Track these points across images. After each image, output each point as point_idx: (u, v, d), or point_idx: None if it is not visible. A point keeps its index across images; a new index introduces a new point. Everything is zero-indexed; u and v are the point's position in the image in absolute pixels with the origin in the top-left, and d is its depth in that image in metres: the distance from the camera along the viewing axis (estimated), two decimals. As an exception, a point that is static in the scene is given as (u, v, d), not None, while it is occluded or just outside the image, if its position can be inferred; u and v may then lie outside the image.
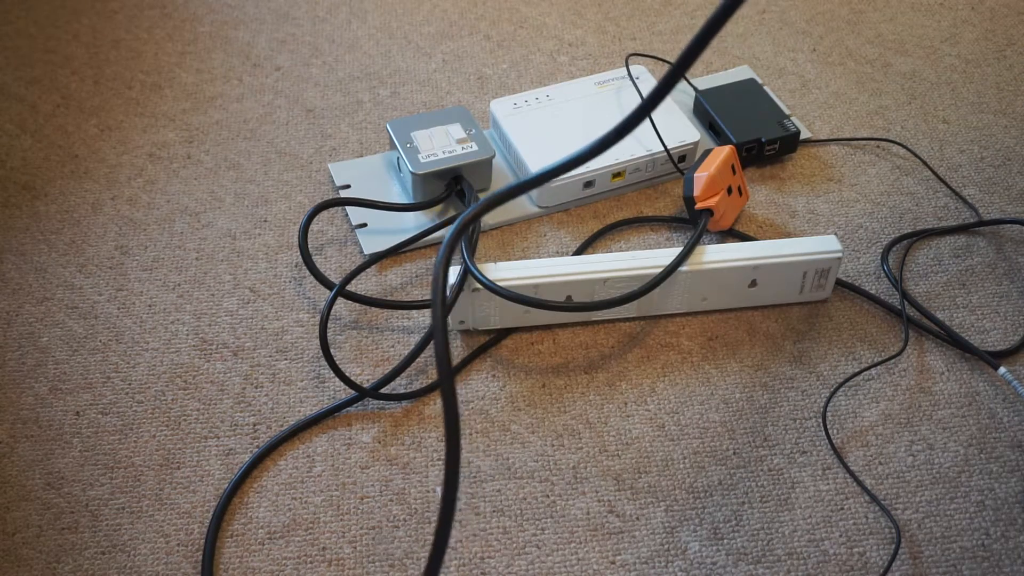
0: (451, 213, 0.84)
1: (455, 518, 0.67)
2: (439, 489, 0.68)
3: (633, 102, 0.90)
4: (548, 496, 0.68)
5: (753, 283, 0.77)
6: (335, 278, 0.81)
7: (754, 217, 0.86)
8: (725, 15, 0.53)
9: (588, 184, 0.85)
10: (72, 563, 0.64)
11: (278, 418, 0.72)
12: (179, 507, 0.67)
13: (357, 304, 0.79)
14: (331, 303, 0.74)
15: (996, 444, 0.71)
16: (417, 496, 0.68)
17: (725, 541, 0.66)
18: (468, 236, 0.78)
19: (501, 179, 0.88)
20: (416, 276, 0.81)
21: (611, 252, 0.83)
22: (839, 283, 0.80)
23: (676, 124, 0.88)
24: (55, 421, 0.72)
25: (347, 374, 0.73)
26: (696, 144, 0.87)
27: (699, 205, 0.80)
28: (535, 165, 0.84)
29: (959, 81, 1.00)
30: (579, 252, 0.83)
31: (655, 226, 0.86)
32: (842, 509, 0.68)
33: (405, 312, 0.79)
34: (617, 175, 0.86)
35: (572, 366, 0.75)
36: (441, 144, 0.84)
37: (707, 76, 0.99)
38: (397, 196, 0.86)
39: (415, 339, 0.77)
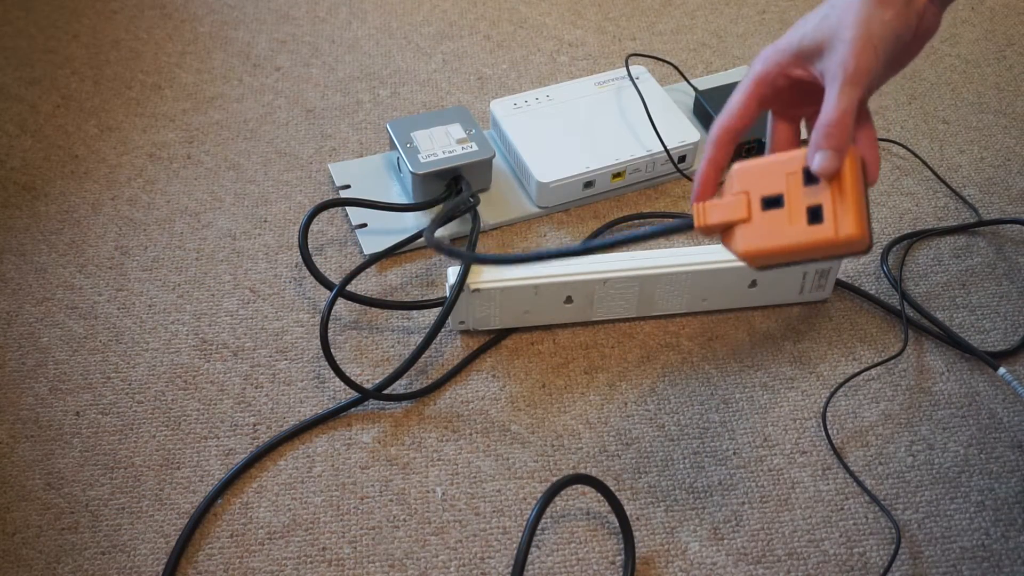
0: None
1: (456, 518, 0.67)
2: (439, 490, 0.68)
3: (633, 102, 0.90)
4: (548, 496, 0.68)
5: (753, 283, 0.77)
6: (335, 278, 0.81)
7: (754, 217, 0.86)
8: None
9: (588, 184, 0.85)
10: (72, 563, 0.64)
11: (278, 418, 0.72)
12: (179, 507, 0.67)
13: (357, 304, 0.79)
14: (331, 303, 0.74)
15: (996, 444, 0.71)
16: (417, 496, 0.68)
17: (725, 541, 0.66)
18: (468, 236, 0.78)
19: (501, 179, 0.88)
20: (416, 276, 0.81)
21: (611, 252, 0.82)
22: (839, 283, 0.80)
23: (676, 124, 0.88)
24: (55, 421, 0.72)
25: (347, 374, 0.73)
26: (696, 144, 0.87)
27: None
28: (535, 165, 0.84)
29: (959, 81, 1.00)
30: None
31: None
32: (842, 509, 0.68)
33: (405, 312, 0.79)
34: (617, 175, 0.86)
35: (572, 366, 0.75)
36: (441, 144, 0.84)
37: (707, 76, 0.99)
38: (397, 196, 0.86)
39: (415, 339, 0.77)
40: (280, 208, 0.86)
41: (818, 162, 0.51)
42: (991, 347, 0.77)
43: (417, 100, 0.97)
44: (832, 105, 0.51)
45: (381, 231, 0.83)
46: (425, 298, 0.79)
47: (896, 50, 0.53)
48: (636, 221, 0.85)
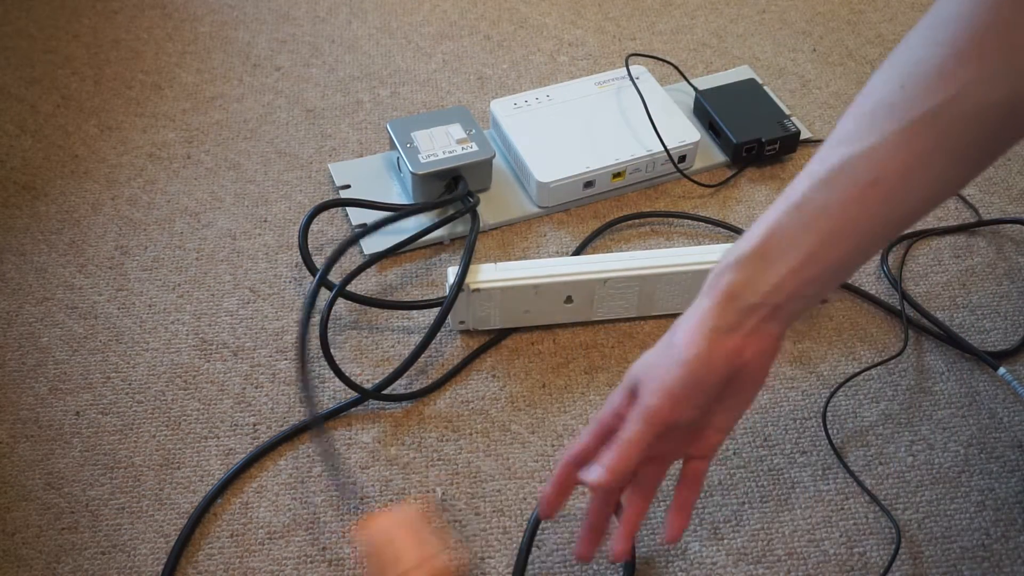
0: (451, 212, 0.84)
1: (456, 518, 0.67)
2: (439, 490, 0.68)
3: (633, 102, 0.90)
4: (548, 496, 0.68)
5: None
6: (335, 278, 0.80)
7: (753, 217, 0.86)
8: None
9: (588, 184, 0.85)
10: (72, 563, 0.64)
11: (278, 418, 0.72)
12: (179, 507, 0.67)
13: (357, 304, 0.79)
14: (331, 304, 0.74)
15: (996, 444, 0.71)
16: (417, 496, 0.68)
17: (725, 541, 0.66)
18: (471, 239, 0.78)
19: (501, 179, 0.88)
20: (416, 276, 0.81)
21: (611, 252, 0.82)
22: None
23: (676, 124, 0.88)
24: (55, 421, 0.72)
25: (347, 374, 0.73)
26: (696, 144, 0.87)
27: None
28: (535, 165, 0.84)
29: (959, 81, 1.00)
30: (579, 251, 0.83)
31: (655, 227, 0.86)
32: (842, 509, 0.68)
33: (405, 312, 0.79)
34: (617, 175, 0.86)
35: (572, 366, 0.75)
36: (441, 144, 0.84)
37: (707, 76, 0.99)
38: (397, 196, 0.86)
39: (415, 339, 0.77)
40: (280, 208, 0.86)
41: (592, 474, 0.55)
42: (991, 347, 0.77)
43: (417, 100, 0.97)
44: (618, 438, 0.54)
45: (381, 231, 0.83)
46: (425, 298, 0.79)
47: (707, 388, 0.53)
48: (636, 223, 0.86)
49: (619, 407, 0.56)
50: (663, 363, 0.53)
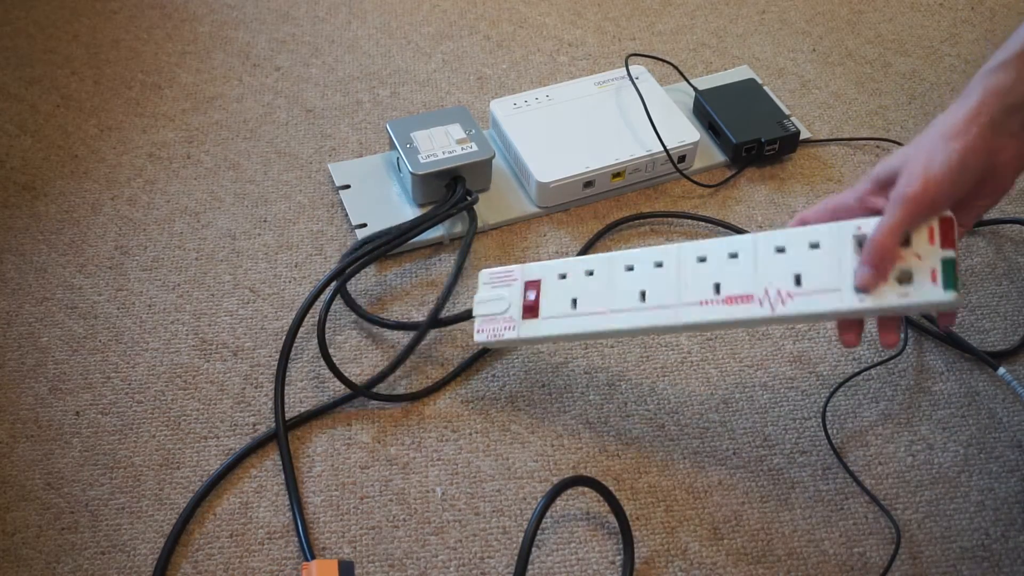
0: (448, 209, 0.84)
1: (456, 518, 0.67)
2: (439, 490, 0.68)
3: (633, 102, 0.90)
4: (548, 496, 0.68)
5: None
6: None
7: (753, 217, 0.86)
8: None
9: (588, 184, 0.85)
10: (72, 563, 0.64)
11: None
12: (179, 507, 0.67)
13: (362, 302, 0.79)
14: (329, 304, 0.74)
15: (996, 444, 0.71)
16: (417, 496, 0.68)
17: (725, 541, 0.66)
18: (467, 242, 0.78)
19: (501, 179, 0.88)
20: (415, 275, 0.81)
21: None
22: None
23: (676, 124, 0.88)
24: (55, 421, 0.72)
25: (347, 374, 0.73)
26: (696, 144, 0.87)
27: None
28: (535, 165, 0.84)
29: (959, 81, 1.00)
30: (582, 253, 0.83)
31: (655, 227, 0.86)
32: (842, 509, 0.68)
33: (405, 312, 0.79)
34: (617, 175, 0.86)
35: (572, 366, 0.75)
36: (441, 144, 0.84)
37: (707, 76, 0.99)
38: (397, 196, 0.86)
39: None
40: (280, 208, 0.86)
41: (858, 277, 0.57)
42: (991, 347, 0.77)
43: (417, 100, 0.97)
44: (878, 226, 0.56)
45: (380, 230, 0.83)
46: (423, 297, 0.79)
47: (966, 180, 0.56)
48: (637, 224, 0.86)
49: (863, 194, 0.59)
50: (925, 152, 0.56)
